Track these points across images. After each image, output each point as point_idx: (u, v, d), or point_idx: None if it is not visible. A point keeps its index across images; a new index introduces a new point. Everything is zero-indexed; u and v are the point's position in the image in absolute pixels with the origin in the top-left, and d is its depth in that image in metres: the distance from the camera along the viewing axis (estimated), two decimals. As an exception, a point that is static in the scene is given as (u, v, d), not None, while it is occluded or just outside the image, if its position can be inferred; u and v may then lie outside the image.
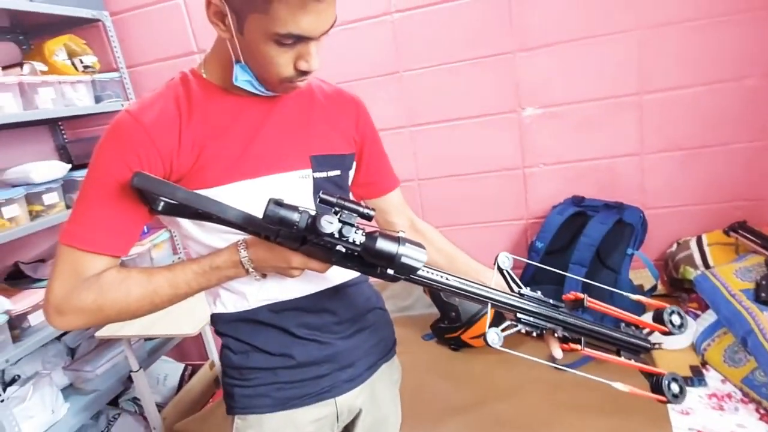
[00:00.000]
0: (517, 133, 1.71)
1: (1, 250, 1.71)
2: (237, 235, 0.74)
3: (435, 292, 1.63)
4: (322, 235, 0.61)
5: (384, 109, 1.77)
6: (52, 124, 2.00)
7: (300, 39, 0.65)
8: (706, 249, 1.56)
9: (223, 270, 0.73)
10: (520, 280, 0.76)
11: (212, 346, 2.21)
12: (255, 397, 0.81)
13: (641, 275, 1.63)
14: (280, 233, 0.65)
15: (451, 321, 1.55)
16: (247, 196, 0.76)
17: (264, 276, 0.75)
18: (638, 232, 1.55)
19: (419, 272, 0.66)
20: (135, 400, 2.01)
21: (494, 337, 0.65)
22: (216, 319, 0.85)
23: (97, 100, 1.82)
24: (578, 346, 0.72)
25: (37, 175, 1.52)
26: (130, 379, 1.78)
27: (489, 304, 0.70)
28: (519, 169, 1.75)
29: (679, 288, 1.61)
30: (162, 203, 0.68)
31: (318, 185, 0.81)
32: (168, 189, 0.66)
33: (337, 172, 0.84)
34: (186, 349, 2.34)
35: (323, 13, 0.64)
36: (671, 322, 0.71)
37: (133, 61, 1.94)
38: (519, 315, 0.70)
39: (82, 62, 1.75)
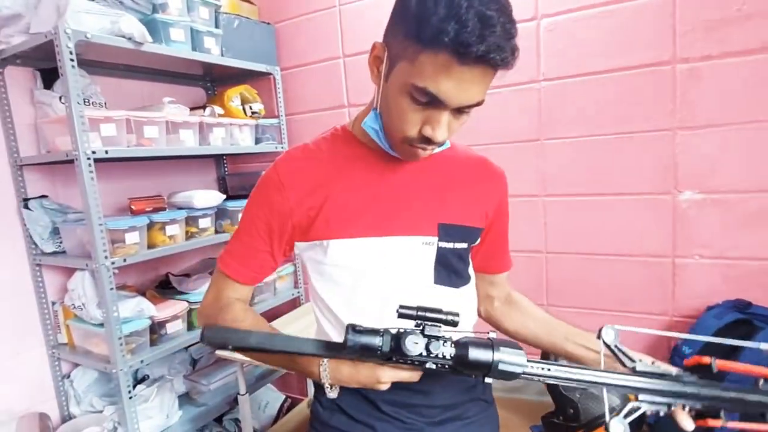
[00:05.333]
0: (669, 217, 1.52)
1: (158, 262, 1.96)
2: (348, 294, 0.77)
3: (551, 379, 1.47)
4: (408, 357, 0.59)
5: (519, 175, 1.71)
6: (218, 158, 2.30)
7: (434, 101, 0.64)
8: None
9: (304, 367, 0.73)
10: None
11: (311, 383, 2.25)
12: None
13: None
14: (363, 355, 0.63)
15: (568, 419, 1.37)
16: (365, 253, 0.77)
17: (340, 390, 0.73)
18: (827, 359, 1.24)
19: None
20: (236, 422, 2.10)
21: (618, 428, 0.58)
22: None
23: (257, 141, 2.06)
24: (718, 422, 0.61)
25: (199, 202, 1.74)
26: (236, 401, 1.88)
27: (604, 389, 0.62)
28: (668, 258, 1.54)
29: None
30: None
31: (441, 255, 0.79)
32: (238, 336, 0.64)
33: (464, 245, 0.82)
34: (289, 380, 2.42)
35: (466, 84, 0.62)
36: None
37: (291, 110, 2.17)
38: (640, 396, 0.61)
39: (251, 108, 2.01)
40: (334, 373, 0.68)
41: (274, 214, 0.78)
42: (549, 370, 0.61)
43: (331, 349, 0.64)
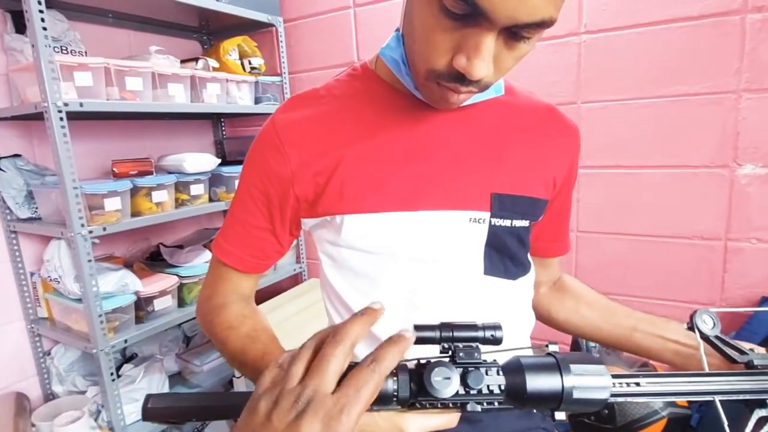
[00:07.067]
0: (725, 194, 1.33)
1: (145, 232, 1.80)
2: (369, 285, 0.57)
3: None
4: (439, 399, 0.39)
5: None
6: (216, 119, 2.11)
7: (474, 14, 0.42)
8: None
9: None
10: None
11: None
12: None
13: None
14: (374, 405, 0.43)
15: (601, 419, 1.21)
16: (392, 233, 0.58)
17: None
18: None
19: None
20: (234, 403, 1.98)
21: None
22: None
23: (257, 101, 1.86)
24: None
25: (189, 166, 1.56)
26: (231, 383, 1.74)
27: (717, 400, 0.44)
28: (719, 241, 1.35)
29: None
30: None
31: (495, 236, 0.60)
32: (190, 399, 0.47)
33: (525, 224, 0.62)
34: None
35: None
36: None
37: (295, 67, 1.96)
38: None
39: (250, 63, 1.80)
40: None
41: (272, 181, 0.61)
42: (638, 385, 0.43)
43: None
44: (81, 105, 1.26)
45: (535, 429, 0.66)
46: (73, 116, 1.27)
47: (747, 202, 1.31)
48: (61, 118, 1.22)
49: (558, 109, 0.68)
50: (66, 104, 1.22)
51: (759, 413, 0.43)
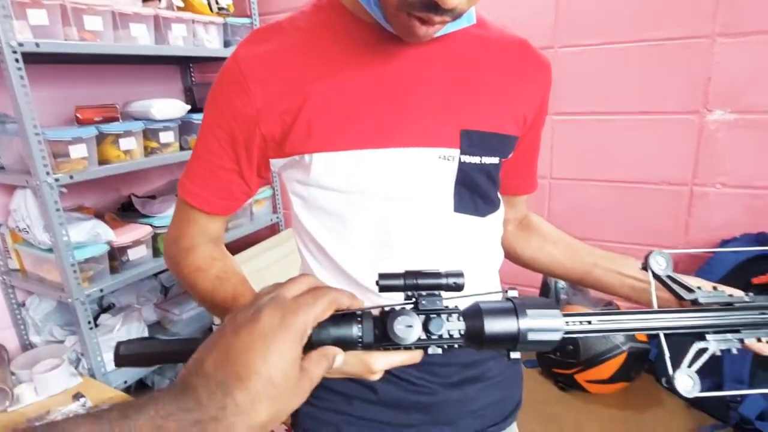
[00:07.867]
0: (693, 139, 1.35)
1: (116, 181, 1.76)
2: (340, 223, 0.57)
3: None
4: (402, 345, 0.42)
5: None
6: (184, 65, 2.02)
7: None
8: None
9: None
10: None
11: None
12: (320, 422, 0.66)
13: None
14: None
15: (566, 355, 1.28)
16: (361, 171, 0.57)
17: None
18: None
19: None
20: (215, 350, 2.02)
21: (688, 383, 0.44)
22: None
23: (226, 44, 1.78)
24: None
25: (157, 112, 1.51)
26: (210, 330, 1.77)
27: (661, 335, 0.47)
28: (686, 186, 1.40)
29: None
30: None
31: (464, 173, 0.60)
32: (161, 345, 0.48)
33: (495, 160, 0.62)
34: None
35: None
36: None
37: (266, 8, 1.88)
38: (708, 335, 0.47)
39: (217, 3, 1.71)
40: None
41: (237, 120, 0.59)
42: (590, 323, 0.46)
43: None
44: (37, 45, 1.19)
45: (499, 358, 0.70)
46: (31, 59, 1.20)
47: (714, 148, 1.34)
48: (17, 60, 1.15)
49: (530, 44, 0.67)
50: (21, 44, 1.15)
51: (698, 345, 0.46)
